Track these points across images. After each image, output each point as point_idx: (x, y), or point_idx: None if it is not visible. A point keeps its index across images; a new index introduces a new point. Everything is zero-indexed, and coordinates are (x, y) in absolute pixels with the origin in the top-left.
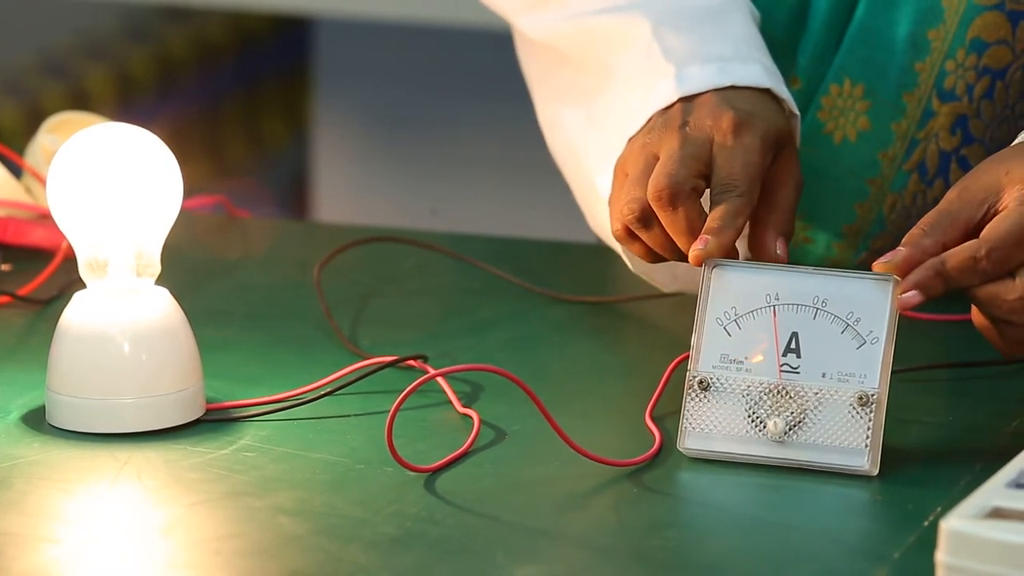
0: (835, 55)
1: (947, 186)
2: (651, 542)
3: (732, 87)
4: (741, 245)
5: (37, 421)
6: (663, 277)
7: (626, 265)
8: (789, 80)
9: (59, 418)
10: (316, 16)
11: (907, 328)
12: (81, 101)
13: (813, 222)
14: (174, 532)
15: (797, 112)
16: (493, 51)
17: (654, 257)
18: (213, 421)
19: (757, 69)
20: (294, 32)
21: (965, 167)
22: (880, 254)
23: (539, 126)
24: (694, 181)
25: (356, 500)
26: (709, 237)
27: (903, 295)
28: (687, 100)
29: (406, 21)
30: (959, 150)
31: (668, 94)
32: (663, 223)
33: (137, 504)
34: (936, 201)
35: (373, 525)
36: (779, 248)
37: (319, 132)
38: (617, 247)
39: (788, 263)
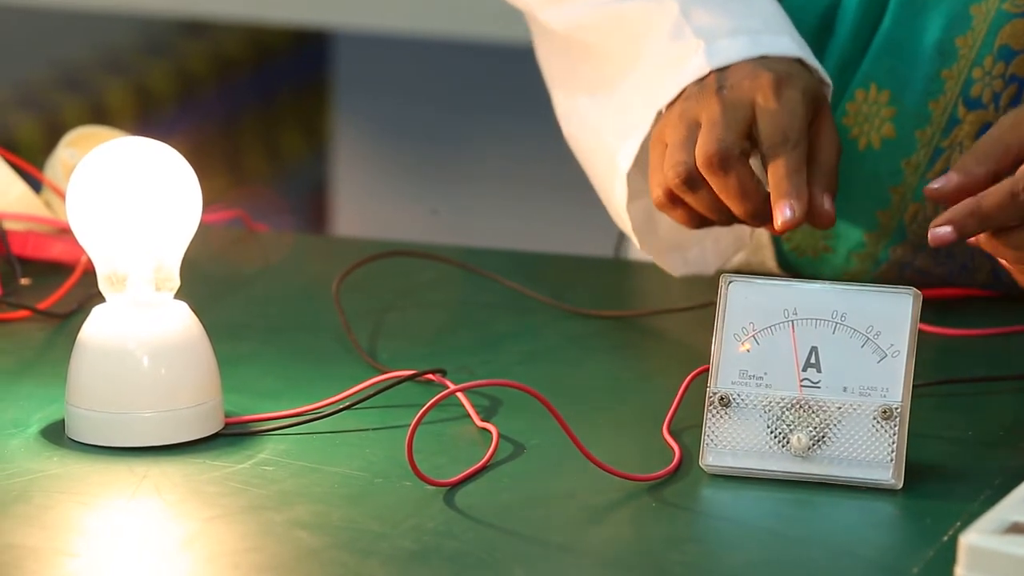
0: (861, 62)
1: None
2: (670, 556)
3: (763, 56)
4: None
5: (56, 435)
6: (673, 261)
7: (640, 279)
8: None
9: (78, 432)
10: (334, 30)
11: (924, 343)
12: (100, 115)
13: (834, 229)
14: (193, 546)
15: (829, 81)
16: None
17: (699, 222)
18: (232, 435)
19: (786, 40)
20: (312, 46)
21: None
22: (899, 265)
23: (562, 141)
24: (742, 144)
25: (375, 514)
26: (792, 202)
27: (936, 229)
28: (721, 71)
29: (424, 35)
30: None
31: (700, 67)
32: (716, 188)
33: (156, 518)
34: None
35: (392, 539)
36: (827, 203)
37: (337, 146)
38: (627, 226)
39: (808, 277)
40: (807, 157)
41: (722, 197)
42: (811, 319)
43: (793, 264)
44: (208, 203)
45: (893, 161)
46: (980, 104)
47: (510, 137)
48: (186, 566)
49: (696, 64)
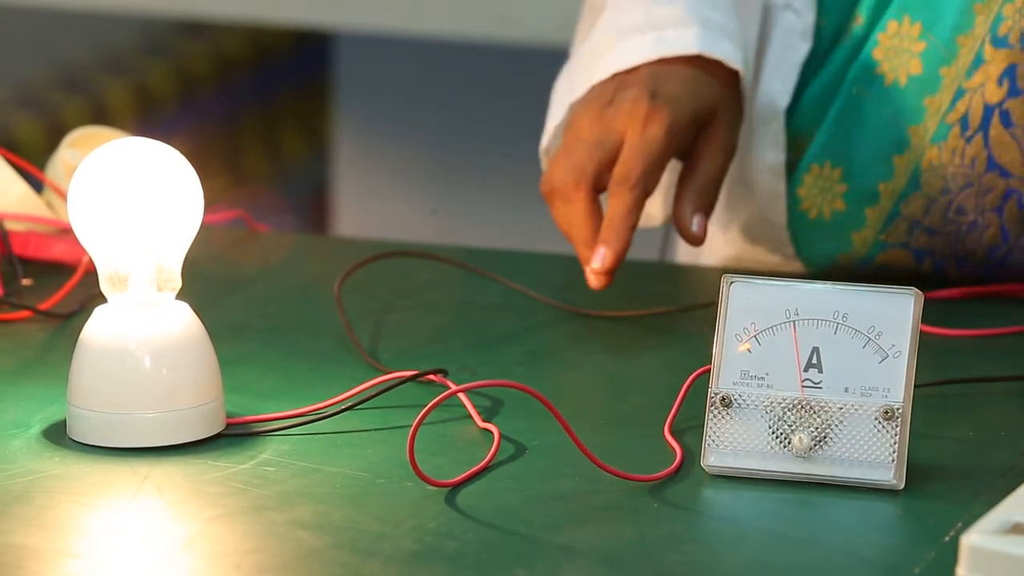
0: None
1: (985, 143)
2: (671, 556)
3: (663, 60)
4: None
5: (58, 435)
6: (642, 220)
7: (642, 279)
8: (852, 19)
9: (80, 432)
10: (335, 30)
11: (925, 343)
12: (101, 116)
13: (850, 178)
14: (194, 546)
15: (737, 67)
16: (512, 65)
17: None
18: (233, 435)
19: (691, 34)
20: (313, 46)
21: (1006, 122)
22: (909, 224)
23: None
24: (593, 175)
25: (376, 514)
26: (605, 250)
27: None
28: (627, 73)
29: (425, 35)
30: (1003, 103)
31: (607, 67)
32: (552, 213)
33: (157, 518)
34: (973, 160)
35: (393, 539)
36: (696, 224)
37: (338, 146)
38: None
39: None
40: (686, 173)
41: (556, 222)
42: (812, 319)
43: (804, 223)
44: (209, 203)
45: (916, 98)
46: (1007, 43)
47: (510, 138)
48: (187, 566)
49: (604, 64)
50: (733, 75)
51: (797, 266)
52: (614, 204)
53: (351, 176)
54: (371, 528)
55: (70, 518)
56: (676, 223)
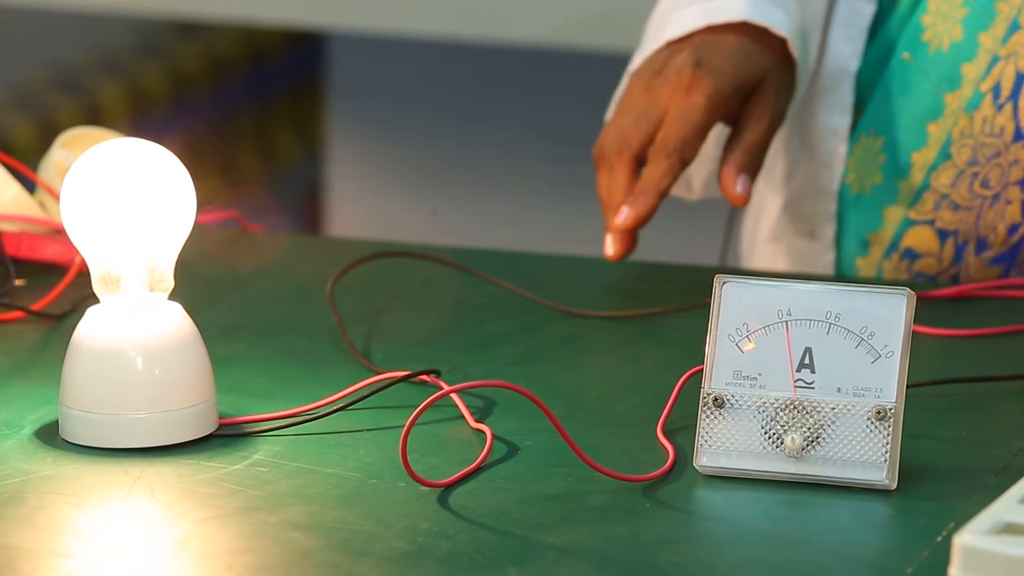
0: None
1: (1014, 113)
2: (663, 557)
3: (712, 29)
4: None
5: (50, 436)
6: (680, 191)
7: (635, 279)
8: None
9: (72, 433)
10: (329, 31)
11: (921, 344)
12: (95, 116)
13: (890, 148)
14: (187, 547)
15: (784, 34)
16: (508, 66)
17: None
18: (226, 436)
19: (739, 2)
20: (307, 47)
21: None
22: (938, 197)
23: (556, 142)
24: (636, 144)
25: (368, 515)
26: (626, 209)
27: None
28: (677, 42)
29: (419, 36)
30: None
31: (660, 39)
32: (598, 183)
33: (150, 519)
34: (1001, 129)
35: (385, 540)
36: (740, 185)
37: (332, 146)
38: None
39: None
40: (732, 137)
41: (597, 189)
42: (805, 320)
43: (847, 200)
44: (202, 204)
45: (955, 65)
46: None
47: (505, 139)
48: (180, 567)
49: (665, 34)
50: (783, 43)
51: (829, 258)
52: (648, 169)
53: (344, 177)
54: (364, 528)
55: (63, 519)
56: (721, 183)
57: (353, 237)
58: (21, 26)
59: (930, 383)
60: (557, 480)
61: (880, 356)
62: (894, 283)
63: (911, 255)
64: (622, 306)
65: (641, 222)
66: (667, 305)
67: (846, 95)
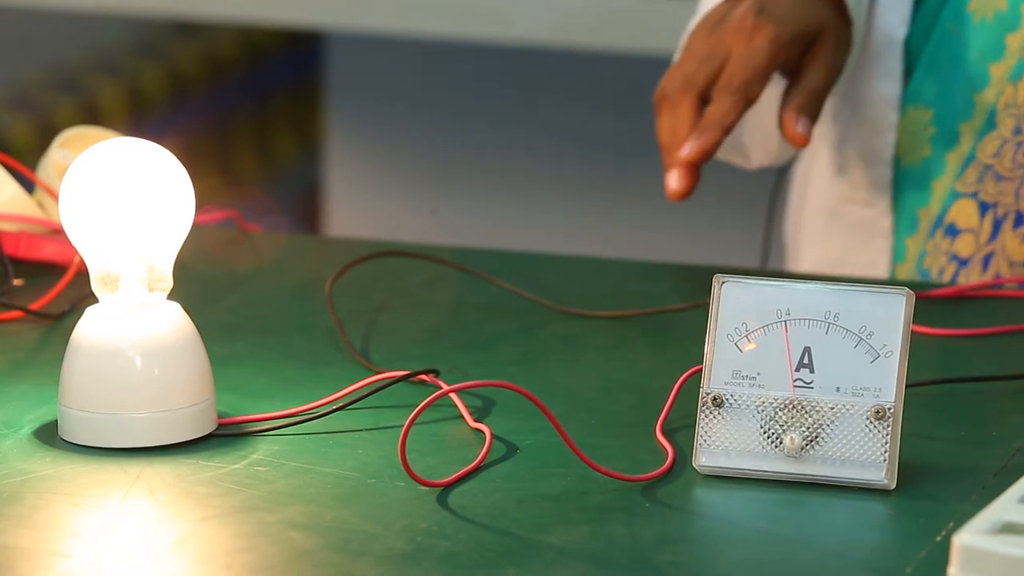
0: None
1: None
2: (663, 556)
3: None
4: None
5: (49, 436)
6: (737, 159)
7: (634, 279)
8: None
9: (71, 433)
10: (327, 30)
11: (921, 343)
12: (93, 116)
13: (938, 120)
14: (185, 547)
15: None
16: (507, 65)
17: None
18: (225, 436)
19: None
20: (305, 46)
21: None
22: (981, 169)
23: (555, 141)
24: (699, 87)
25: (367, 515)
26: (691, 143)
27: (797, 127)
28: None
29: (418, 35)
30: None
31: None
32: (659, 125)
33: (149, 519)
34: None
35: (384, 540)
36: (800, 125)
37: (330, 146)
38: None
39: (800, 277)
40: (792, 83)
41: (658, 132)
42: (804, 319)
43: (899, 174)
44: (201, 204)
45: (999, 35)
46: None
47: (505, 139)
48: (179, 566)
49: None
50: (840, 1)
51: (886, 224)
52: (712, 106)
53: (343, 176)
54: (362, 528)
55: (61, 518)
56: (782, 125)
57: (352, 237)
58: (19, 26)
59: (929, 383)
60: (556, 480)
61: (879, 356)
62: (894, 283)
63: (952, 231)
64: (622, 306)
65: (706, 156)
66: (667, 305)
67: (895, 63)
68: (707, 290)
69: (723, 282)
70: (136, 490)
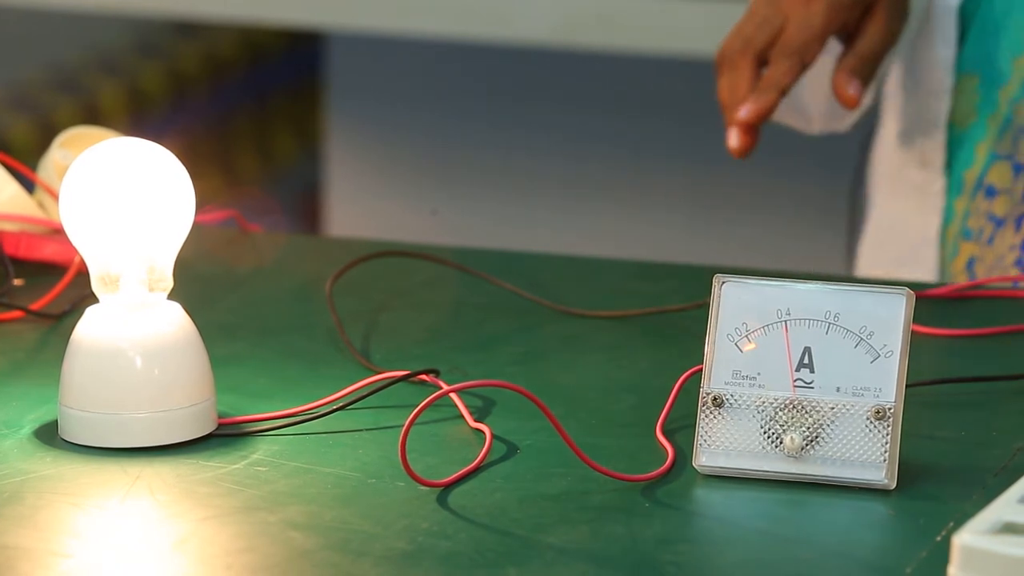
0: None
1: None
2: (662, 556)
3: None
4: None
5: (49, 436)
6: (798, 123)
7: (634, 279)
8: None
9: (71, 433)
10: (328, 30)
11: (921, 343)
12: (93, 116)
13: (984, 84)
14: (186, 547)
15: None
16: (507, 65)
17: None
18: (225, 436)
19: None
20: (305, 46)
21: None
22: (1015, 134)
23: (555, 141)
24: (760, 47)
25: (367, 515)
26: (749, 104)
27: (848, 89)
28: None
29: (419, 35)
30: None
31: None
32: (720, 86)
33: (149, 519)
34: None
35: (384, 540)
36: (851, 87)
37: (330, 146)
38: None
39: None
40: (848, 46)
41: (719, 92)
42: (804, 319)
43: (951, 140)
44: (201, 203)
45: None
46: None
47: (505, 138)
48: (179, 566)
49: None
50: None
51: (939, 185)
52: (770, 68)
53: (343, 176)
54: (362, 528)
55: (61, 518)
56: (834, 87)
57: (352, 237)
58: (20, 26)
59: (929, 383)
60: (556, 480)
61: (879, 356)
62: (894, 283)
63: (991, 192)
64: (622, 306)
65: (763, 116)
66: (667, 305)
67: (950, 28)
68: (707, 290)
69: (723, 282)
70: (136, 490)
